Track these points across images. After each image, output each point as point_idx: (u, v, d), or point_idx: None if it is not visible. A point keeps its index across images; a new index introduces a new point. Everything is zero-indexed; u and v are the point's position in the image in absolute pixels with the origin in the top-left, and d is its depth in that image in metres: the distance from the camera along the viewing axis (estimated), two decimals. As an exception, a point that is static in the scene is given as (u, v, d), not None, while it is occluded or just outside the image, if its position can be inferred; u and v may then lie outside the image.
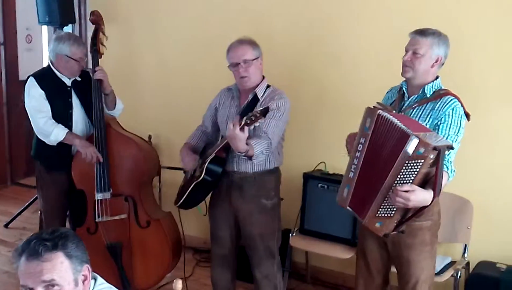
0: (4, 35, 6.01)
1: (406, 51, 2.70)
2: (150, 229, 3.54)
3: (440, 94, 2.68)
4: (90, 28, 3.91)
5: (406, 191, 2.37)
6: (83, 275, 1.83)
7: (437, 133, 2.59)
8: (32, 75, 3.61)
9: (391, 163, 2.42)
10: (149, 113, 4.75)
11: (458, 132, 2.62)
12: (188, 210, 3.40)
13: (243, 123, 2.77)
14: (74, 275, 1.78)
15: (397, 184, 2.41)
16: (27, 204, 5.15)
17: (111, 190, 3.49)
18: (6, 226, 5.01)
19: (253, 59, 3.10)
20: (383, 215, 2.50)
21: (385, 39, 3.62)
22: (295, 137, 3.87)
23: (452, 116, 2.61)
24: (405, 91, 2.79)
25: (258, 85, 3.16)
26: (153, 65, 4.74)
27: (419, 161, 2.36)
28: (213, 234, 3.37)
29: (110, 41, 4.50)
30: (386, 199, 2.46)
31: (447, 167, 2.56)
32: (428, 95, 2.69)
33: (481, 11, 3.37)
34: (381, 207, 2.49)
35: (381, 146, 2.50)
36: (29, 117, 3.57)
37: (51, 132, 3.46)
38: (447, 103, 2.63)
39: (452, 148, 2.46)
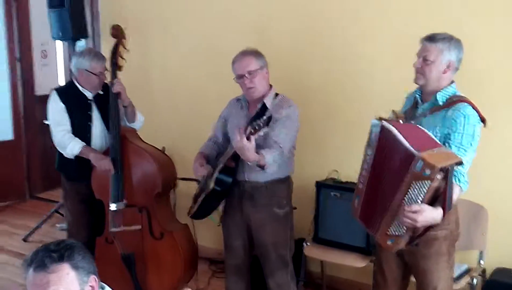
0: (20, 51, 6.10)
1: (418, 58, 2.66)
2: (163, 240, 3.55)
3: (453, 101, 2.59)
4: (107, 42, 3.97)
5: (414, 212, 2.33)
6: (90, 286, 1.85)
7: (449, 143, 2.52)
8: (55, 89, 3.74)
9: (398, 181, 2.38)
10: (163, 125, 4.79)
11: (472, 141, 2.53)
12: (204, 221, 3.44)
13: (248, 132, 2.79)
14: (80, 286, 1.81)
15: (406, 204, 2.36)
16: (45, 217, 5.21)
17: (124, 201, 3.53)
18: (24, 240, 5.07)
19: (258, 69, 3.12)
20: (393, 233, 2.46)
21: (394, 45, 3.62)
22: (307, 146, 3.88)
23: (464, 124, 2.52)
24: (418, 98, 2.74)
25: (266, 94, 3.17)
26: (165, 78, 4.79)
27: (426, 181, 2.30)
28: (226, 244, 3.38)
29: (125, 55, 4.59)
30: (396, 218, 2.42)
31: (458, 180, 2.50)
32: (441, 103, 2.62)
33: (487, 14, 3.36)
34: (391, 226, 2.45)
35: (387, 160, 2.48)
36: (50, 129, 3.67)
37: (67, 145, 3.55)
38: (459, 110, 2.54)
39: (461, 163, 2.39)
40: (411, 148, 2.33)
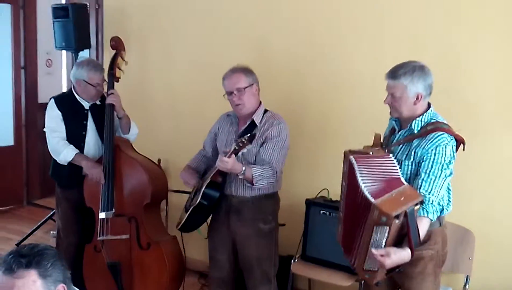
0: (25, 59, 6.20)
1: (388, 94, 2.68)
2: (150, 251, 3.57)
3: (427, 130, 2.59)
4: (109, 53, 4.01)
5: (381, 255, 2.35)
6: None
7: (419, 170, 2.55)
8: (53, 97, 3.80)
9: (364, 222, 2.41)
10: (159, 137, 4.83)
11: (442, 168, 2.52)
12: (195, 234, 3.48)
13: (231, 150, 2.87)
14: None
15: (372, 246, 2.38)
16: (39, 223, 5.25)
17: (114, 210, 3.56)
18: (17, 245, 5.09)
19: (246, 87, 3.17)
20: (368, 269, 2.48)
21: (388, 64, 3.64)
22: (298, 163, 3.91)
23: (435, 154, 2.53)
24: (395, 125, 2.77)
25: (255, 111, 3.21)
26: (164, 91, 4.83)
27: (385, 227, 2.33)
28: (211, 257, 3.41)
29: (123, 66, 4.64)
30: (367, 256, 2.44)
31: (427, 212, 2.51)
32: (416, 131, 2.63)
33: (481, 36, 3.38)
34: (365, 262, 2.46)
35: (356, 195, 2.49)
36: (46, 135, 3.73)
37: (61, 151, 3.61)
38: (432, 141, 2.54)
39: (422, 203, 2.43)
40: (368, 196, 2.37)
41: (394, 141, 2.72)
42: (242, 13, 4.27)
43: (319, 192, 3.82)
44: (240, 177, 3.04)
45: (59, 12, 4.94)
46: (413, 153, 2.59)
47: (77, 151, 3.63)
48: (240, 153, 2.90)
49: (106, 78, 3.80)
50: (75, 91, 3.75)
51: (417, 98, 2.61)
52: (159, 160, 4.69)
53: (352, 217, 2.55)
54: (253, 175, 3.03)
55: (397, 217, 2.30)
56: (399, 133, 2.72)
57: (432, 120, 2.63)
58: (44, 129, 3.75)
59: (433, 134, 2.56)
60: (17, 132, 6.22)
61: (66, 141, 3.65)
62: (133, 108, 4.74)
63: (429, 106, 2.68)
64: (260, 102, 3.27)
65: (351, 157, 2.53)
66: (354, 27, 3.80)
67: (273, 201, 3.32)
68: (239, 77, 3.17)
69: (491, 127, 3.40)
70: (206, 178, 3.20)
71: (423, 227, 2.48)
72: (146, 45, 4.88)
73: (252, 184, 3.07)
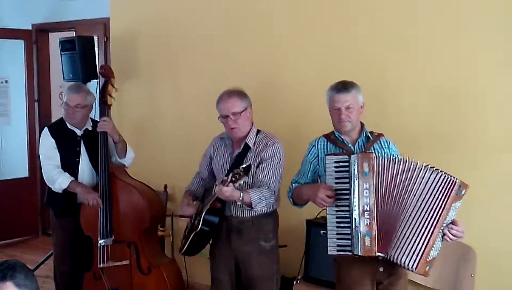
0: (38, 92, 6.37)
1: (337, 109, 2.87)
2: (151, 275, 3.61)
3: (376, 136, 2.93)
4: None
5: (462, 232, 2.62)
6: None
7: None
8: (47, 125, 3.87)
9: (431, 205, 2.57)
10: (165, 163, 4.89)
11: None
12: (197, 259, 3.53)
13: (228, 180, 2.89)
14: None
15: (447, 226, 2.60)
16: (50, 253, 5.30)
17: (112, 236, 3.60)
18: (30, 274, 5.15)
19: (242, 111, 3.20)
20: (431, 257, 2.59)
21: (392, 91, 3.68)
22: (297, 184, 3.90)
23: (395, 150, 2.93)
24: (343, 139, 2.93)
25: (248, 133, 3.24)
26: (171, 119, 4.91)
27: (459, 202, 2.61)
28: (213, 277, 3.42)
29: (129, 95, 4.75)
30: (436, 237, 2.56)
31: None
32: (371, 138, 2.92)
33: (484, 56, 3.39)
34: (431, 251, 2.58)
35: (395, 186, 2.62)
36: (41, 164, 3.77)
37: (56, 179, 3.65)
38: (389, 143, 2.94)
39: None
40: (447, 175, 2.57)
41: (361, 148, 2.90)
42: (251, 42, 4.34)
43: (319, 212, 3.80)
44: (238, 203, 3.07)
45: (66, 45, 5.08)
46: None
47: (72, 178, 3.67)
48: (237, 184, 2.93)
49: (88, 101, 3.78)
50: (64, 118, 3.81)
51: (361, 107, 2.93)
52: (165, 186, 4.76)
53: (391, 214, 2.63)
54: (252, 199, 3.05)
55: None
56: (357, 143, 2.90)
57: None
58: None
59: (383, 138, 2.94)
60: (31, 164, 6.33)
61: (61, 169, 3.68)
62: (140, 135, 4.86)
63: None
64: (252, 124, 3.30)
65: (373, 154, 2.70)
66: (360, 57, 3.82)
67: (273, 219, 3.34)
68: (235, 102, 3.21)
69: (493, 146, 3.38)
70: (205, 204, 3.24)
71: None
72: (153, 75, 4.97)
73: (251, 208, 3.09)
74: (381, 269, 2.79)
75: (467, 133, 3.44)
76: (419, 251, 2.57)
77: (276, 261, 3.34)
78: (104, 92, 3.88)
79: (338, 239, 2.71)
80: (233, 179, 2.88)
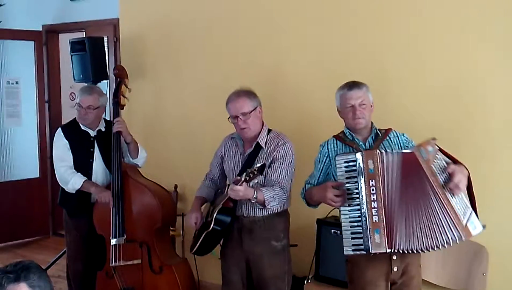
0: (49, 93, 6.39)
1: (351, 106, 2.87)
2: (162, 275, 3.62)
3: (384, 132, 2.93)
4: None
5: (457, 182, 2.57)
6: None
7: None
8: (60, 126, 3.89)
9: (424, 175, 2.59)
10: (176, 163, 4.90)
11: None
12: (208, 258, 3.53)
13: (242, 180, 2.91)
14: None
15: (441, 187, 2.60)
16: (61, 252, 5.34)
17: (125, 236, 3.62)
18: (42, 273, 5.18)
19: (251, 111, 3.21)
20: (465, 213, 2.62)
21: (393, 86, 3.66)
22: (308, 184, 3.91)
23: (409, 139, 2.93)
24: (354, 137, 2.93)
25: (259, 132, 3.25)
26: (179, 119, 4.92)
27: (438, 155, 2.63)
28: (224, 277, 3.43)
29: (139, 94, 4.77)
30: (451, 199, 2.59)
31: None
32: (380, 135, 2.92)
33: (487, 53, 3.38)
34: (457, 210, 2.60)
35: (397, 180, 2.64)
36: (54, 164, 3.79)
37: (69, 180, 3.67)
38: (399, 135, 2.94)
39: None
40: (405, 150, 2.70)
41: (372, 146, 2.90)
42: (255, 41, 4.35)
43: (330, 212, 3.80)
44: (252, 201, 3.08)
45: (76, 46, 5.10)
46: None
47: (85, 178, 3.69)
48: (251, 183, 2.94)
49: (101, 103, 3.81)
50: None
51: (371, 106, 2.94)
52: (175, 186, 4.77)
53: (402, 204, 2.64)
54: (265, 198, 3.06)
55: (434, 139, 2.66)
56: (367, 142, 2.90)
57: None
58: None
59: (392, 132, 2.94)
60: (42, 165, 6.37)
61: (74, 170, 3.71)
62: (149, 135, 4.87)
63: None
64: (263, 123, 3.31)
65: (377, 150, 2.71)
66: (364, 55, 3.82)
67: (284, 219, 3.35)
68: (244, 102, 3.22)
69: (503, 139, 3.37)
70: (217, 204, 3.25)
71: None
72: (161, 75, 4.99)
73: (265, 207, 3.10)
74: (395, 269, 2.79)
75: (470, 129, 3.43)
76: (447, 221, 2.59)
77: (288, 261, 3.35)
78: (117, 92, 3.91)
79: (352, 238, 2.69)
80: (247, 178, 2.89)
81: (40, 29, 6.33)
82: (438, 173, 2.60)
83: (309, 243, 3.83)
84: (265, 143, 3.25)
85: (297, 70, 4.14)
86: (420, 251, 2.64)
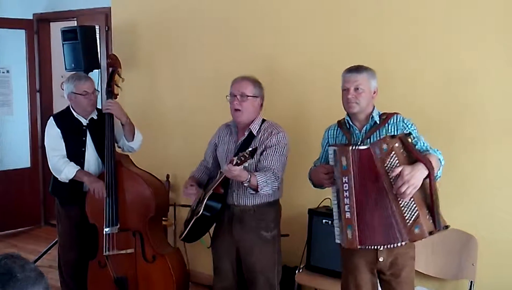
0: (40, 83, 6.37)
1: (346, 89, 2.84)
2: (155, 264, 3.63)
3: (383, 119, 2.86)
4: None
5: (399, 175, 2.49)
6: None
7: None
8: (52, 115, 3.87)
9: (378, 174, 2.58)
10: (168, 153, 4.92)
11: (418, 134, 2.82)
12: (199, 248, 3.54)
13: (234, 163, 2.91)
14: None
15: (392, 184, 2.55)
16: (53, 242, 5.34)
17: (118, 224, 3.62)
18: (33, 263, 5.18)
19: (250, 96, 3.22)
20: (411, 217, 2.55)
21: (392, 77, 3.68)
22: (300, 173, 3.89)
23: (412, 126, 2.84)
24: (352, 125, 2.91)
25: (252, 121, 3.26)
26: (173, 108, 4.93)
27: (392, 154, 2.56)
28: (215, 266, 3.44)
29: (132, 84, 4.75)
30: (399, 201, 2.55)
31: (433, 150, 2.72)
32: (378, 122, 2.85)
33: (484, 45, 3.39)
34: (404, 212, 2.56)
35: (366, 173, 2.64)
36: (46, 154, 3.78)
37: (62, 169, 3.66)
38: (399, 121, 2.84)
39: (410, 134, 2.69)
40: (359, 145, 2.67)
41: (362, 138, 2.87)
42: (250, 31, 4.35)
43: (321, 202, 3.84)
44: (245, 185, 3.07)
45: (68, 34, 5.08)
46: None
47: (78, 167, 3.68)
48: (242, 167, 2.95)
49: (97, 89, 3.85)
50: (71, 108, 3.81)
51: (374, 92, 2.88)
52: (167, 175, 4.78)
53: (367, 199, 2.65)
54: (258, 181, 3.06)
55: (392, 137, 2.61)
56: (363, 129, 2.88)
57: (380, 113, 2.90)
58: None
59: (393, 117, 2.85)
60: (34, 154, 6.35)
61: (67, 159, 3.70)
62: (143, 124, 4.83)
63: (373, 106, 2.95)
64: (259, 115, 3.33)
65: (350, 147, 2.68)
66: (360, 47, 3.81)
67: (275, 209, 3.36)
68: (247, 85, 3.25)
69: (494, 132, 3.39)
70: (208, 190, 3.25)
71: (434, 160, 2.63)
72: (155, 63, 4.99)
73: (257, 191, 3.10)
74: (381, 259, 2.81)
75: (465, 121, 3.44)
76: (391, 227, 2.60)
77: (278, 251, 3.37)
78: (111, 81, 3.89)
79: (337, 229, 2.79)
80: (238, 161, 2.90)
81: (31, 18, 6.30)
82: (389, 173, 2.58)
83: (300, 233, 3.86)
84: (258, 132, 3.27)
85: (293, 61, 4.14)
86: (380, 246, 2.72)
